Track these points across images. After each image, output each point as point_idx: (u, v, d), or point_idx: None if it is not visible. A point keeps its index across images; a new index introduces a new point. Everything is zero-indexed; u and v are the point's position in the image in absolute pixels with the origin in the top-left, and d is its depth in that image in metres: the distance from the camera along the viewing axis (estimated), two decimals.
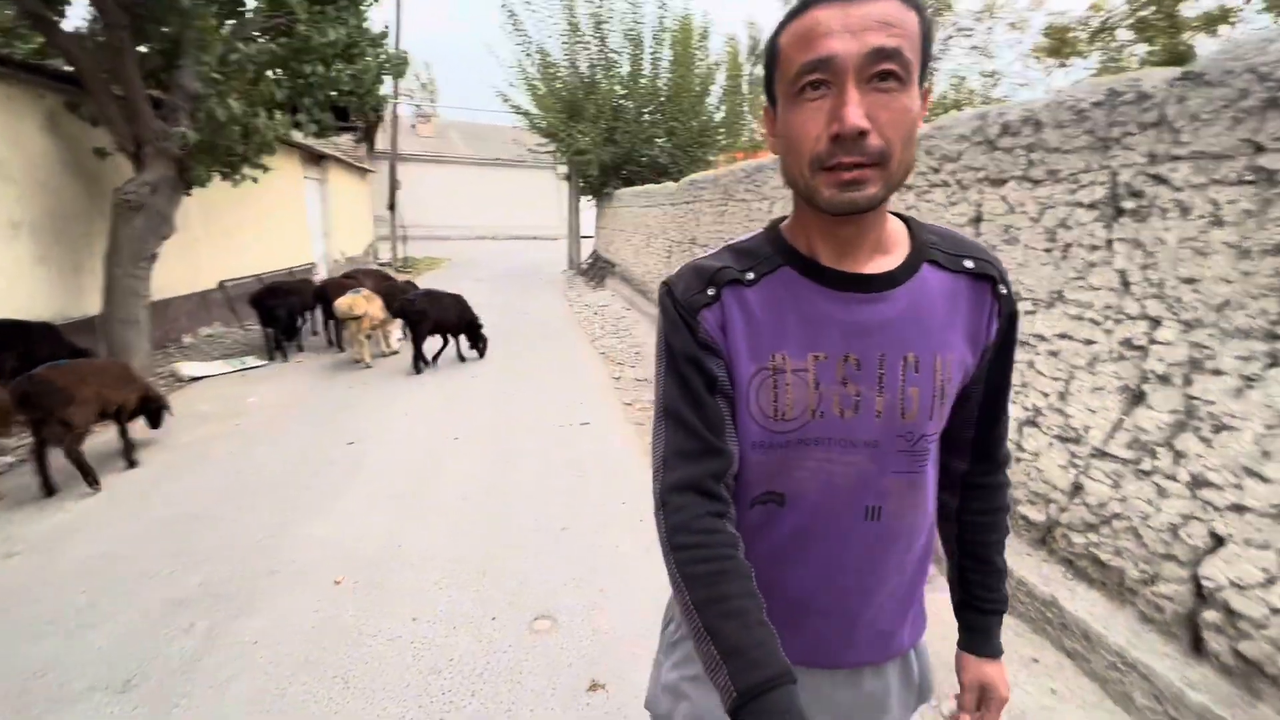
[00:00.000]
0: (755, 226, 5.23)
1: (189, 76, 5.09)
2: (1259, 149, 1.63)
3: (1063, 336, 2.20)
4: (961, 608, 0.86)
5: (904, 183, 0.60)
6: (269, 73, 6.11)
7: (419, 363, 5.83)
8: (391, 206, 15.12)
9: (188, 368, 5.61)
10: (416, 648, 2.09)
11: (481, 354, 6.31)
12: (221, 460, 3.68)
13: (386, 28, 8.03)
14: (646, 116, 12.44)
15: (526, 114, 13.10)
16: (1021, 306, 2.39)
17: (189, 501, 3.13)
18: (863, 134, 0.56)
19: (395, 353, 6.59)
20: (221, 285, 7.79)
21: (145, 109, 4.98)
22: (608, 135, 12.13)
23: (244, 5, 5.81)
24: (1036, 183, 2.31)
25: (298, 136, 8.21)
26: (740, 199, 5.39)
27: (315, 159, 11.73)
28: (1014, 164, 2.42)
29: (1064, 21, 11.49)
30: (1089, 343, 2.10)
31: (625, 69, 12.37)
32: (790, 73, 0.60)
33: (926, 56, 0.60)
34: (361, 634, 2.16)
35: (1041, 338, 2.29)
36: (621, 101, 12.36)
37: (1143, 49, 10.41)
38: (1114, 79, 2.03)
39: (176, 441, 3.98)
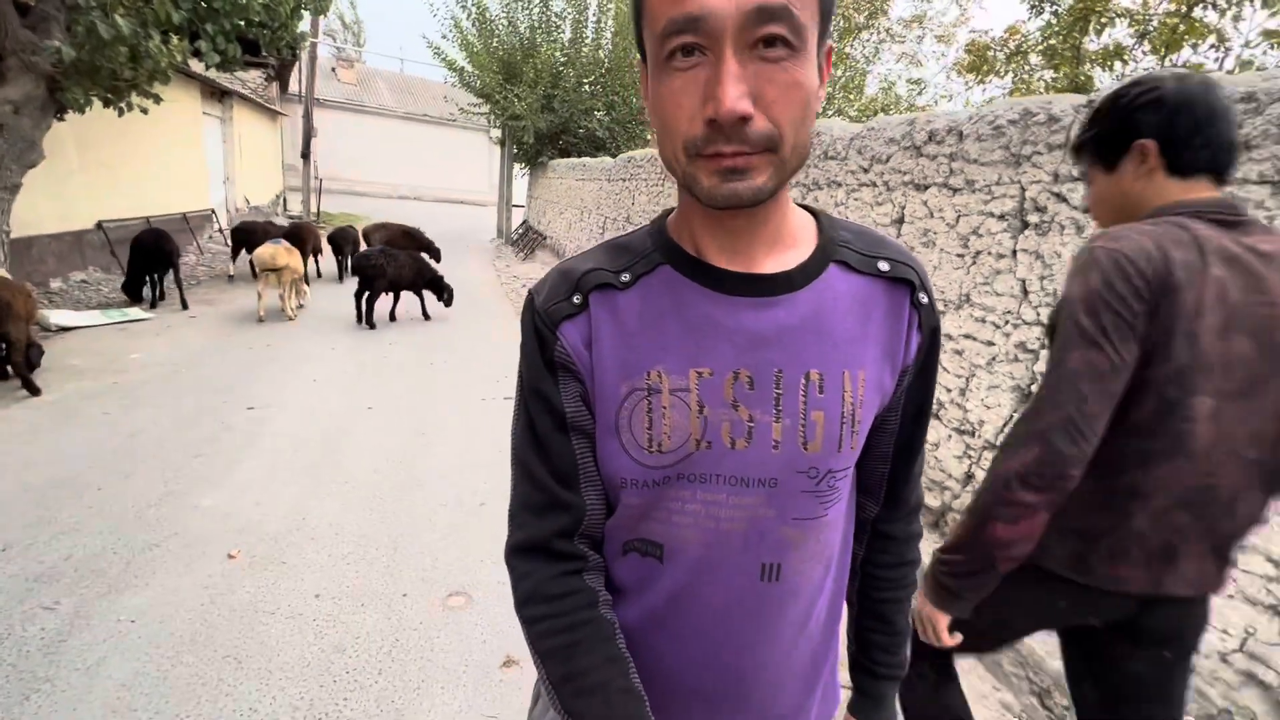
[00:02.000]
0: None
1: None
2: None
3: (967, 337, 2.37)
4: (855, 668, 0.75)
5: (798, 169, 0.50)
6: None
7: (369, 319, 5.87)
8: (305, 155, 14.01)
9: (57, 316, 4.99)
10: (319, 625, 1.99)
11: (448, 304, 6.39)
12: (95, 421, 3.32)
13: None
14: (587, 87, 12.17)
15: (460, 70, 12.47)
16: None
17: (54, 466, 2.81)
18: (744, 119, 0.45)
19: (300, 307, 6.17)
20: (100, 226, 6.95)
21: (9, 14, 4.31)
22: (546, 102, 11.77)
23: None
24: (955, 190, 2.45)
25: (198, 67, 7.41)
26: None
27: (218, 94, 10.65)
28: (937, 171, 2.55)
29: (984, 40, 12.24)
30: (989, 344, 2.28)
31: (567, 34, 12.01)
32: (656, 29, 0.46)
33: (827, 11, 0.48)
34: (258, 611, 2.03)
35: (949, 336, 2.45)
36: (562, 68, 12.01)
37: (1050, 75, 11.28)
38: (1029, 100, 2.18)
39: (40, 399, 3.55)
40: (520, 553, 0.62)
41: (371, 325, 5.90)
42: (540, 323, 0.58)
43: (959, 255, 2.42)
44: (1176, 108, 0.88)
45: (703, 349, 0.55)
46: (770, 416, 0.55)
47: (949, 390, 2.44)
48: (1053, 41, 10.38)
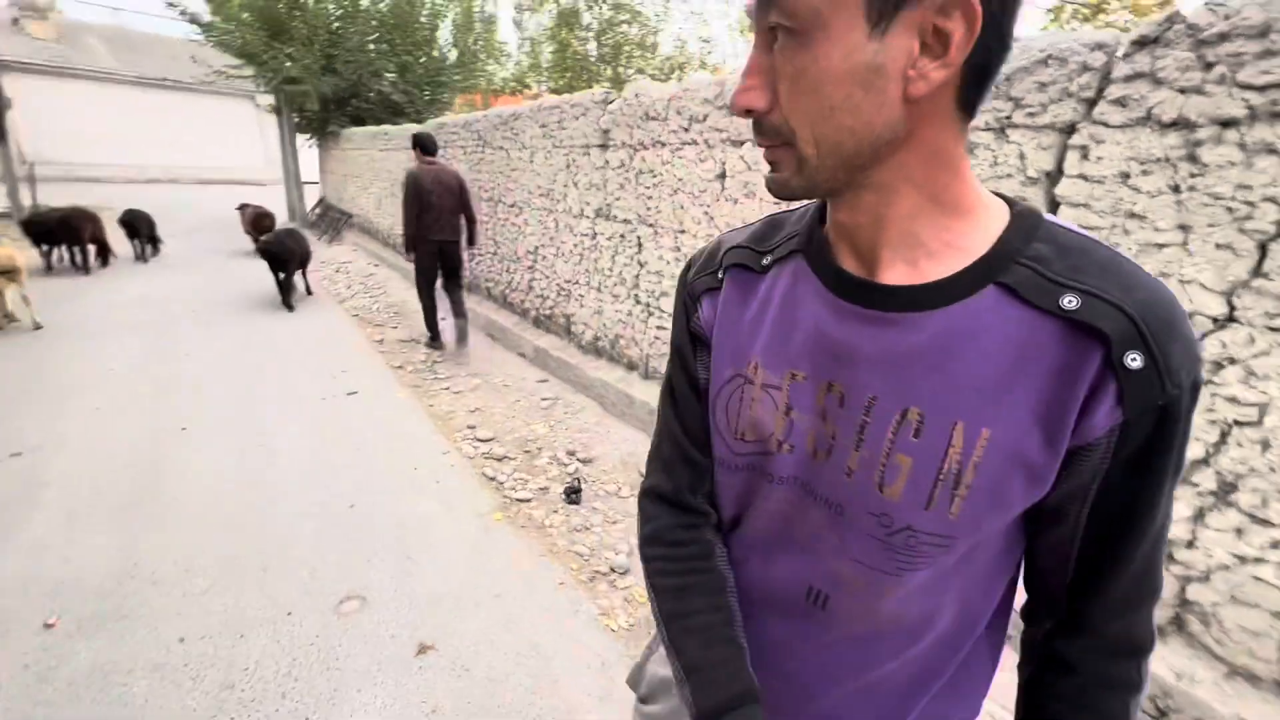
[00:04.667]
0: (516, 176, 5.24)
1: None
2: None
3: None
4: None
5: (841, 165, 0.45)
6: None
7: (290, 303, 6.03)
8: (0, 135, 10.98)
9: None
10: (195, 669, 1.79)
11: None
12: None
13: None
14: (372, 46, 11.03)
15: (207, 26, 10.54)
16: None
17: None
18: (749, 112, 0.45)
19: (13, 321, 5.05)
20: None
21: None
22: (326, 63, 10.48)
23: None
24: None
25: None
26: (498, 146, 5.25)
27: None
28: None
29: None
30: None
31: None
32: None
33: None
34: (109, 674, 1.76)
35: None
36: (339, 25, 10.73)
37: None
38: None
39: None
40: (650, 496, 0.67)
41: (290, 307, 6.01)
42: (687, 295, 0.62)
43: (775, 204, 2.76)
44: None
45: (804, 351, 0.53)
46: (851, 442, 0.50)
47: None
48: None
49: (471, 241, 4.80)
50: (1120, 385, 0.42)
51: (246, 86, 12.99)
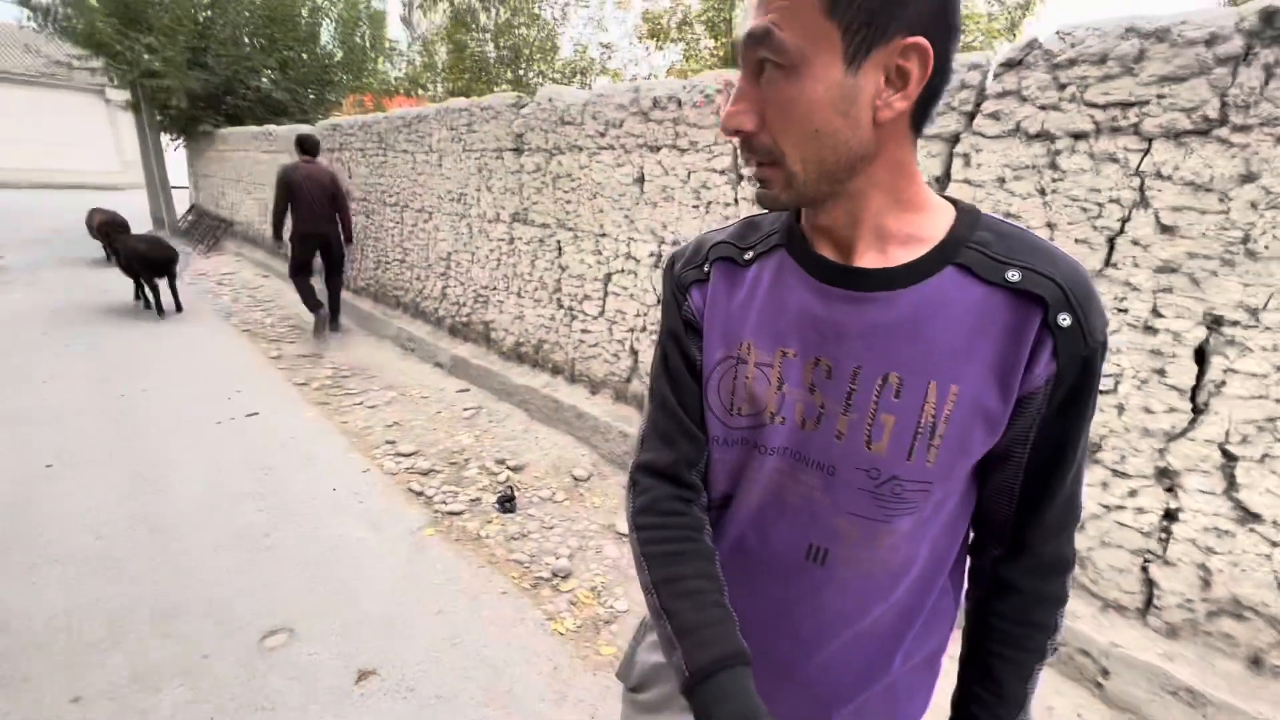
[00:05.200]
0: (424, 180, 5.05)
1: None
2: None
3: None
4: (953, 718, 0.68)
5: (826, 179, 0.53)
6: None
7: (160, 309, 5.76)
8: None
9: None
10: None
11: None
12: None
13: None
14: (248, 40, 10.20)
15: (44, 11, 9.30)
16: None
17: None
18: (738, 133, 0.53)
19: None
20: None
21: None
22: (193, 57, 9.56)
23: None
24: (683, 151, 2.86)
25: None
26: (403, 149, 5.04)
27: None
28: (665, 134, 2.93)
29: (657, 10, 13.64)
30: None
31: None
32: None
33: (868, 15, 0.46)
34: None
35: None
36: (207, 15, 9.83)
37: (711, 44, 13.17)
38: (732, 73, 2.64)
39: None
40: (645, 470, 0.69)
41: (162, 313, 5.79)
42: (675, 285, 0.68)
43: (694, 207, 2.87)
44: None
45: (792, 331, 0.59)
46: (839, 408, 0.57)
47: None
48: (708, 15, 12.12)
49: (348, 238, 5.33)
50: (1055, 341, 0.52)
51: (95, 80, 11.58)
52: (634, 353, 3.31)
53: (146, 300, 5.86)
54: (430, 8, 13.76)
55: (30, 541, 2.36)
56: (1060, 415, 0.55)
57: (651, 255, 3.11)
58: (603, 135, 3.23)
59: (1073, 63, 1.74)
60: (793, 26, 0.47)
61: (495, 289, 4.28)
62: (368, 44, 11.82)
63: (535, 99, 3.65)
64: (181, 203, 12.12)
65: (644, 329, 3.23)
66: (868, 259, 0.57)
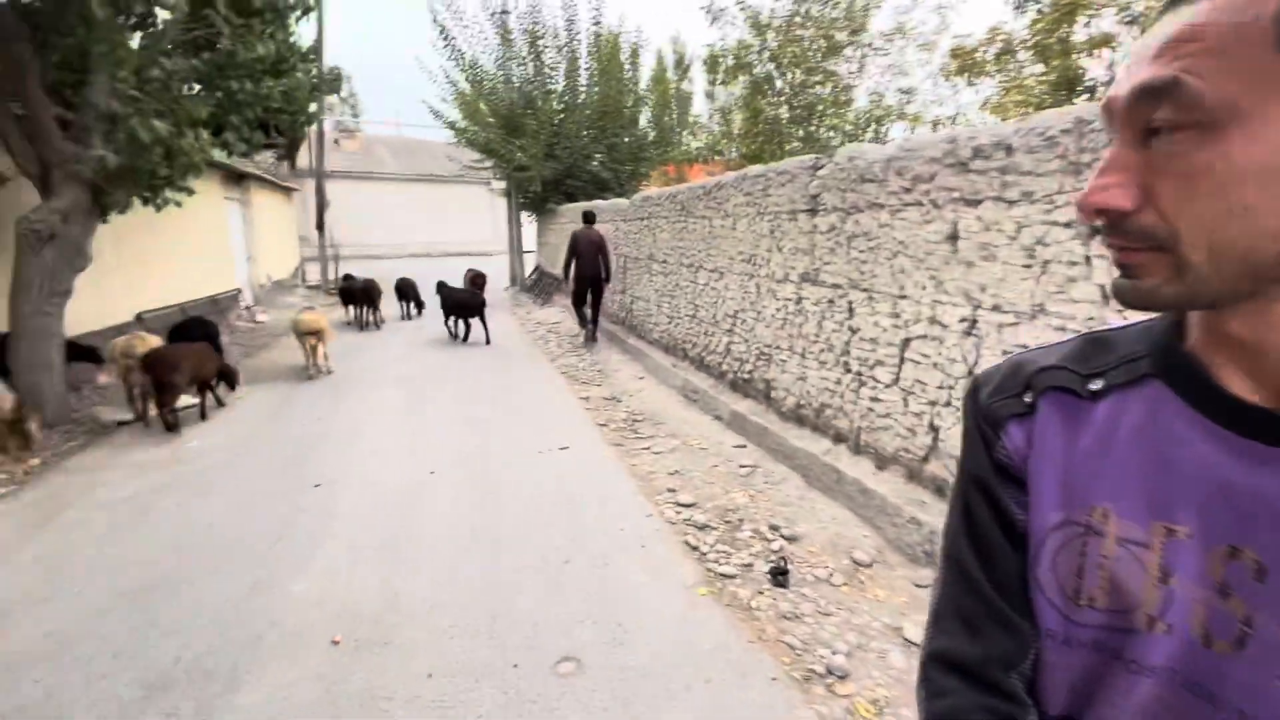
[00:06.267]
0: (718, 243, 5.42)
1: (101, 93, 4.66)
2: None
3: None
4: None
5: (1243, 277, 0.38)
6: (191, 89, 5.69)
7: (466, 339, 8.28)
8: (320, 226, 14.38)
9: (111, 413, 5.09)
10: (440, 708, 1.96)
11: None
12: (171, 516, 3.35)
13: (318, 42, 7.67)
14: (586, 133, 12.48)
15: (463, 131, 12.84)
16: (1003, 318, 2.54)
17: (142, 566, 2.83)
18: (1104, 213, 0.41)
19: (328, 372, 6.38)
20: (139, 317, 7.14)
21: (52, 129, 4.53)
22: (548, 150, 12.07)
23: (154, 16, 5.38)
24: (1012, 203, 2.46)
25: (219, 156, 7.71)
26: (701, 215, 5.46)
27: (236, 178, 11.02)
28: (988, 185, 2.57)
29: (969, 44, 12.46)
30: None
31: (560, 84, 12.38)
32: None
33: None
34: (376, 698, 2.01)
35: (1026, 348, 2.43)
36: (561, 117, 12.35)
37: (1040, 69, 11.43)
38: (1083, 108, 2.20)
39: (113, 496, 3.60)
40: (941, 664, 0.53)
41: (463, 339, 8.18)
42: (983, 419, 0.52)
43: (1024, 266, 2.43)
44: None
45: (1186, 500, 0.42)
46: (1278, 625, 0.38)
47: None
48: (1039, 37, 10.57)
49: (607, 278, 7.70)
50: None
51: (483, 175, 15.45)
52: (934, 429, 2.91)
53: (456, 334, 8.38)
54: (730, 80, 14.95)
55: (415, 537, 3.09)
56: None
57: (963, 321, 2.73)
58: (908, 191, 2.99)
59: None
60: (1218, 74, 0.36)
61: (779, 348, 4.26)
62: (675, 122, 13.45)
63: (834, 159, 3.59)
64: (529, 264, 15.22)
65: (948, 403, 2.83)
66: None
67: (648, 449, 4.28)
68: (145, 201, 5.40)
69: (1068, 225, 2.25)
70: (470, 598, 2.55)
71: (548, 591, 2.59)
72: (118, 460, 4.17)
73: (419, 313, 10.57)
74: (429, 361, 7.21)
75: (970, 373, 2.70)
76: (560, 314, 10.53)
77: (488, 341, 8.08)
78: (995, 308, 2.57)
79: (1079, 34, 10.29)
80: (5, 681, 2.09)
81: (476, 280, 10.55)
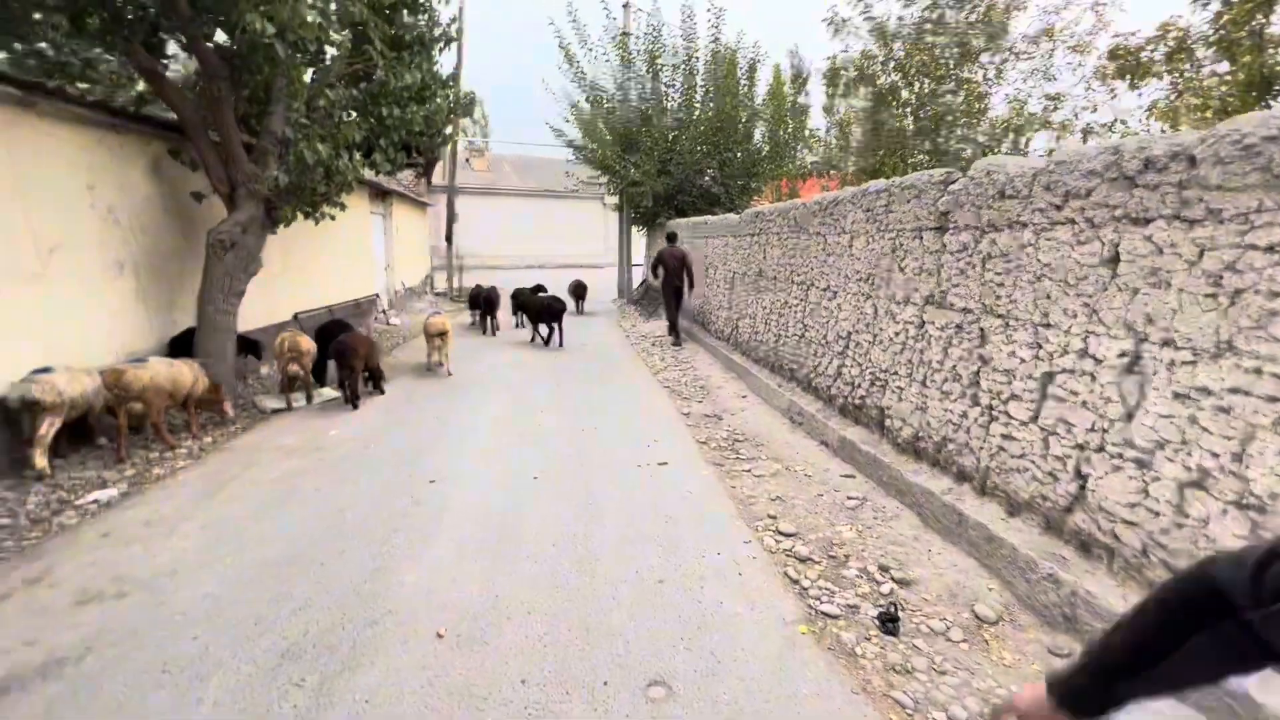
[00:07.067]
0: (832, 261, 5.19)
1: (279, 122, 5.34)
2: None
3: (1235, 391, 1.99)
4: None
5: None
6: (348, 115, 6.38)
7: (547, 342, 8.98)
8: (449, 239, 15.56)
9: (268, 400, 5.77)
10: (532, 716, 1.99)
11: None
12: (310, 498, 3.71)
13: (456, 70, 8.33)
14: (699, 149, 12.54)
15: (581, 148, 13.37)
16: (1177, 355, 2.19)
17: (284, 542, 3.15)
18: None
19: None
20: (295, 317, 8.06)
21: (240, 153, 5.24)
22: (662, 167, 12.26)
23: (325, 54, 6.09)
24: (1193, 223, 2.13)
25: (368, 174, 8.57)
26: (815, 232, 5.27)
27: (380, 194, 12.19)
28: (1159, 202, 2.24)
29: (1134, 43, 11.10)
30: (1272, 400, 1.89)
31: (676, 101, 12.55)
32: None
33: None
34: (472, 695, 2.08)
35: (1207, 391, 2.08)
36: (675, 134, 12.51)
37: (1224, 68, 9.94)
38: None
39: (265, 476, 4.05)
40: None
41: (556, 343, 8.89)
42: (1256, 625, 0.50)
43: (1208, 296, 2.08)
44: None
45: None
46: None
47: (1216, 455, 2.05)
48: (1227, 31, 9.21)
49: (690, 287, 9.24)
50: None
51: (595, 191, 16.00)
52: (1080, 476, 2.57)
53: (542, 337, 9.10)
54: (852, 92, 14.41)
55: (516, 540, 3.19)
56: None
57: (1123, 356, 2.39)
58: (1058, 208, 2.68)
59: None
60: None
61: (896, 374, 3.98)
62: (790, 137, 13.17)
63: (969, 173, 3.31)
64: (637, 277, 15.51)
65: (1100, 448, 2.48)
66: None
67: (749, 471, 4.15)
68: (306, 215, 6.11)
69: (1270, 250, 1.90)
70: (565, 607, 2.58)
71: (641, 610, 2.56)
72: (271, 443, 4.70)
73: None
74: (538, 368, 7.52)
75: (1129, 416, 2.36)
76: (665, 328, 10.59)
77: (560, 344, 8.88)
78: (1167, 342, 2.23)
79: (1277, 25, 8.84)
80: (170, 635, 2.40)
81: (578, 289, 11.29)
